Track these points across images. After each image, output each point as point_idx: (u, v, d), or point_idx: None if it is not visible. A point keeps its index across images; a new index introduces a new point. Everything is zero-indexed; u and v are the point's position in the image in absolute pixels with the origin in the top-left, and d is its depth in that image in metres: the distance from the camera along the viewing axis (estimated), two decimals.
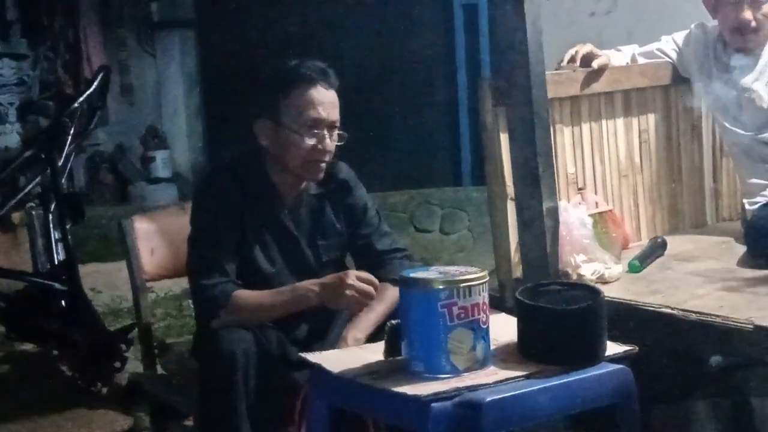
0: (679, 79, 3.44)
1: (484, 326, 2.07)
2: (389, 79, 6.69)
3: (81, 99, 4.16)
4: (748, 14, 3.15)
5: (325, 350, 2.43)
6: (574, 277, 2.85)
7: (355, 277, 2.41)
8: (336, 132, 2.57)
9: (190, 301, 4.94)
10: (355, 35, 6.71)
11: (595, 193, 3.24)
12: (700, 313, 2.56)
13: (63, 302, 3.88)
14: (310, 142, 2.53)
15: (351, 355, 2.28)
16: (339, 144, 2.59)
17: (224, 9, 7.26)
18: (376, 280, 2.44)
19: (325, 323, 2.66)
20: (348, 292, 2.40)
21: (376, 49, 6.66)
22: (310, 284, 2.48)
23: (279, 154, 2.57)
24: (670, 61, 3.42)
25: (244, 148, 2.68)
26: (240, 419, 2.36)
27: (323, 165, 2.58)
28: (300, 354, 2.33)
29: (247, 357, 2.37)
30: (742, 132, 3.27)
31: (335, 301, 2.46)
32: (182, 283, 5.02)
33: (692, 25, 3.40)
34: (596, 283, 2.77)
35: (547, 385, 2.04)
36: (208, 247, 2.54)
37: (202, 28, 7.58)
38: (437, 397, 1.96)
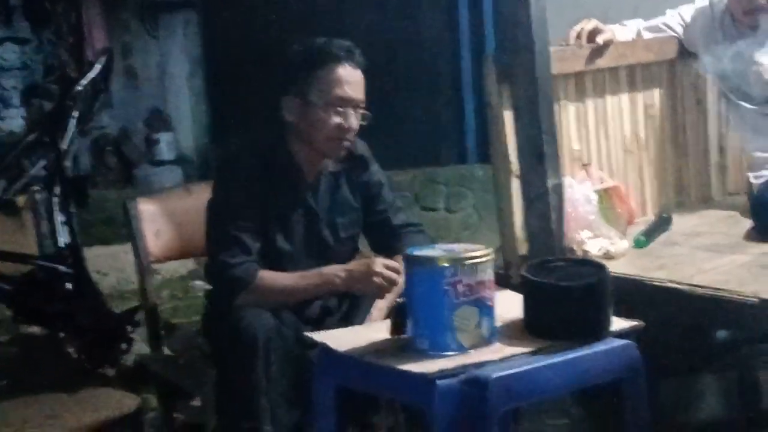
0: (685, 54, 3.43)
1: (490, 303, 2.07)
2: (393, 57, 6.65)
3: (84, 82, 4.14)
4: None
5: (333, 328, 2.43)
6: (580, 253, 2.85)
7: (382, 264, 2.45)
8: (360, 111, 2.58)
9: (197, 282, 4.97)
10: (358, 14, 6.68)
11: (600, 169, 3.23)
12: (707, 288, 2.56)
13: (68, 285, 3.88)
14: (336, 119, 2.54)
15: (356, 333, 2.28)
16: (363, 123, 2.59)
17: None
18: (401, 267, 2.43)
19: (337, 302, 2.67)
20: (376, 279, 2.43)
21: (380, 28, 6.62)
22: (337, 269, 2.51)
23: (304, 131, 2.58)
24: (676, 35, 3.40)
25: (264, 127, 2.68)
26: (260, 401, 2.38)
27: (347, 143, 2.59)
28: (306, 333, 2.33)
29: (268, 339, 2.39)
30: (749, 105, 3.26)
31: (361, 288, 2.49)
32: (188, 265, 5.07)
33: (697, 0, 3.38)
34: (602, 259, 2.77)
35: (553, 361, 2.04)
36: (232, 226, 2.53)
37: (205, 10, 7.55)
38: (443, 374, 1.96)
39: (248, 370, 2.37)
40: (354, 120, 2.56)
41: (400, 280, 2.40)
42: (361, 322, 2.56)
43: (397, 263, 2.45)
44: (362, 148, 2.72)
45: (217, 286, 2.62)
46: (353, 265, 2.50)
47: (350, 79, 2.55)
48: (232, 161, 2.69)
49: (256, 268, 2.51)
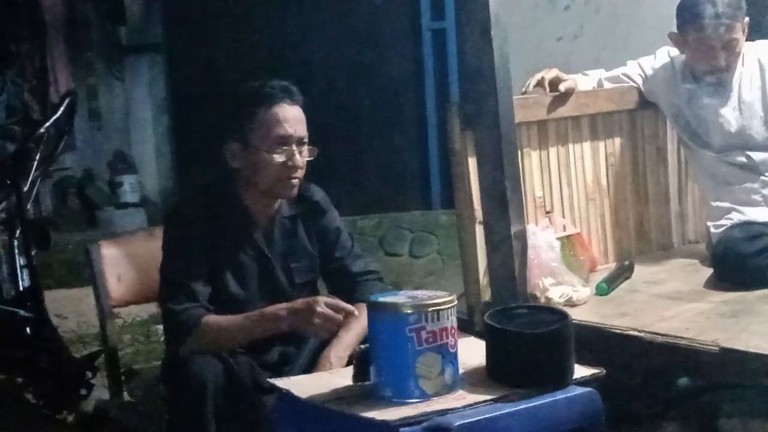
0: (645, 104, 3.48)
1: (453, 350, 2.07)
2: (358, 102, 6.70)
3: (47, 124, 4.12)
4: (721, 59, 3.19)
5: (294, 375, 2.41)
6: (543, 300, 2.86)
7: (324, 303, 2.41)
8: (305, 148, 2.58)
9: (159, 326, 4.92)
10: (323, 59, 6.72)
11: (563, 216, 3.26)
12: (667, 336, 2.58)
13: (28, 329, 3.83)
14: (280, 159, 2.53)
15: (319, 380, 2.27)
16: (309, 159, 2.59)
17: (193, 33, 7.26)
18: (347, 306, 2.43)
19: (296, 347, 2.65)
20: (316, 319, 2.39)
21: (345, 73, 6.67)
22: (279, 309, 2.47)
23: (250, 175, 2.57)
24: (636, 85, 3.45)
25: (215, 173, 2.67)
26: None
27: (295, 181, 2.58)
28: (268, 379, 2.31)
29: (216, 384, 2.36)
30: (709, 154, 3.31)
31: (304, 326, 2.45)
32: (150, 309, 5.01)
33: (658, 51, 3.44)
34: (564, 306, 2.79)
35: (516, 408, 2.04)
36: (178, 273, 2.52)
37: (171, 53, 7.57)
38: (406, 422, 1.95)
39: (196, 417, 2.34)
40: (298, 157, 2.55)
41: (341, 318, 2.39)
42: (304, 363, 2.56)
43: (341, 302, 2.43)
44: (318, 194, 2.71)
45: (166, 333, 2.60)
46: (296, 303, 2.46)
47: (289, 117, 2.55)
48: (180, 207, 2.69)
49: (201, 313, 2.48)
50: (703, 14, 3.12)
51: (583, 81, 3.38)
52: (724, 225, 3.20)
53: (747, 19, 3.21)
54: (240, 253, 2.59)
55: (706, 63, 3.21)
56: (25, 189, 3.97)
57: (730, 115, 3.25)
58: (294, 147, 2.55)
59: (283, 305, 2.48)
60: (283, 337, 2.58)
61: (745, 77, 3.26)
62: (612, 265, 3.30)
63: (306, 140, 2.58)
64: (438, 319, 2.03)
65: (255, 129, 2.54)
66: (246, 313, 2.51)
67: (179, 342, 2.47)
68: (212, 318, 2.50)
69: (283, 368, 2.58)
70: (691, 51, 3.24)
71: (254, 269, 2.61)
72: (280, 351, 2.63)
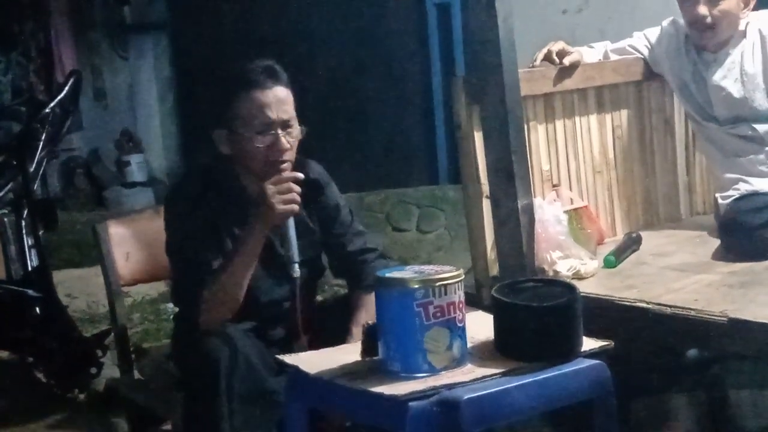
0: (652, 75, 3.46)
1: (461, 324, 2.07)
2: (363, 79, 6.68)
3: (52, 104, 4.13)
4: (703, 10, 3.16)
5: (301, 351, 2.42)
6: (550, 273, 2.86)
7: (269, 185, 2.43)
8: (292, 129, 2.53)
9: (168, 305, 4.94)
10: (328, 36, 6.71)
11: (570, 190, 3.25)
12: (675, 307, 2.58)
13: (37, 309, 3.85)
14: (264, 144, 2.50)
15: (327, 356, 2.27)
16: (298, 139, 2.54)
17: (197, 12, 7.25)
18: (288, 175, 2.46)
19: (305, 324, 2.65)
20: (276, 201, 2.42)
21: (350, 50, 6.65)
22: (247, 227, 2.47)
23: (239, 161, 2.56)
24: (642, 57, 3.43)
25: (214, 154, 2.66)
26: (224, 426, 2.35)
27: (286, 165, 2.53)
28: (276, 356, 2.32)
29: (231, 362, 2.36)
30: (714, 126, 3.30)
31: (276, 216, 2.46)
32: (158, 287, 5.03)
33: (664, 22, 3.41)
34: (572, 279, 2.79)
35: (525, 381, 2.04)
36: (190, 252, 2.50)
37: (175, 31, 7.56)
38: (414, 396, 1.95)
39: (212, 394, 2.34)
40: (284, 140, 2.50)
41: (295, 186, 2.43)
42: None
43: (281, 175, 2.46)
44: (317, 171, 2.69)
45: (185, 307, 2.60)
46: (255, 206, 2.47)
47: (271, 101, 2.49)
48: (179, 189, 2.68)
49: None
50: None
51: (589, 53, 3.36)
52: (732, 196, 3.19)
53: None
54: (240, 231, 2.58)
55: (690, 15, 3.18)
56: (32, 169, 3.98)
57: (732, 88, 3.23)
58: (279, 130, 2.50)
59: (252, 224, 2.47)
60: (287, 314, 2.59)
61: (747, 48, 3.24)
62: (619, 238, 3.30)
63: (292, 122, 2.53)
64: (446, 294, 2.03)
65: (237, 115, 2.50)
66: (228, 253, 2.50)
67: (199, 312, 2.46)
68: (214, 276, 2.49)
69: (292, 345, 2.58)
70: (678, 1, 3.22)
71: None
72: (285, 327, 2.63)
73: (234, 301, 2.48)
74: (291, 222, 2.55)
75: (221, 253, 2.52)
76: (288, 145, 2.52)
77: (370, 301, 2.43)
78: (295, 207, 2.48)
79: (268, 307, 2.60)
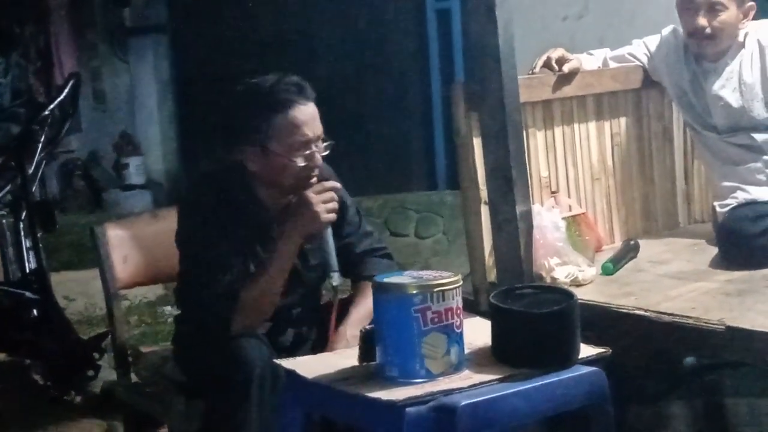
0: (650, 83, 3.46)
1: (458, 330, 2.07)
2: (363, 84, 6.69)
3: (52, 106, 4.13)
4: (702, 21, 3.16)
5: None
6: (548, 280, 2.86)
7: (314, 195, 2.48)
8: (322, 144, 2.55)
9: (166, 308, 4.94)
10: (328, 40, 6.71)
11: (569, 197, 3.25)
12: (673, 315, 2.58)
13: (34, 311, 3.85)
14: (302, 163, 2.51)
15: (325, 360, 2.27)
16: (327, 153, 2.57)
17: (198, 14, 7.25)
18: (327, 183, 2.52)
19: (308, 328, 2.66)
20: (318, 208, 2.47)
21: (350, 54, 6.66)
22: (284, 235, 2.49)
23: (268, 177, 2.54)
24: (641, 65, 3.44)
25: (224, 164, 2.64)
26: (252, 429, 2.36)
27: (315, 179, 2.55)
28: (275, 360, 2.32)
29: (263, 368, 2.37)
30: (713, 135, 3.30)
31: (314, 224, 2.49)
32: (156, 290, 5.04)
33: (663, 30, 3.42)
34: (570, 286, 2.79)
35: (522, 388, 2.04)
36: (206, 258, 2.50)
37: (175, 34, 7.56)
38: (412, 401, 1.95)
39: (244, 397, 2.34)
40: (318, 156, 2.53)
41: (333, 195, 2.50)
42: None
43: (322, 183, 2.51)
44: (327, 172, 2.69)
45: (206, 318, 2.54)
46: (292, 217, 2.50)
47: (306, 119, 2.50)
48: (194, 197, 2.66)
49: (239, 287, 2.47)
50: None
51: (588, 61, 3.37)
52: (730, 204, 3.19)
53: (752, 2, 3.20)
54: (254, 239, 2.57)
55: (690, 25, 3.19)
56: (30, 171, 3.98)
57: (731, 97, 3.24)
58: (313, 147, 2.52)
59: (286, 229, 2.50)
60: (297, 319, 2.61)
61: (745, 58, 3.25)
62: (618, 245, 3.30)
63: (322, 136, 2.55)
64: (443, 300, 2.03)
65: (274, 135, 2.49)
66: (261, 264, 2.52)
67: (222, 324, 2.45)
68: (244, 289, 2.49)
69: (298, 350, 2.58)
70: (678, 10, 3.23)
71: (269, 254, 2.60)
72: (294, 332, 2.64)
73: (270, 308, 2.51)
74: (329, 231, 2.56)
75: (237, 258, 2.52)
76: (321, 161, 2.54)
77: (368, 287, 2.43)
78: (335, 215, 2.53)
79: (279, 312, 2.59)
